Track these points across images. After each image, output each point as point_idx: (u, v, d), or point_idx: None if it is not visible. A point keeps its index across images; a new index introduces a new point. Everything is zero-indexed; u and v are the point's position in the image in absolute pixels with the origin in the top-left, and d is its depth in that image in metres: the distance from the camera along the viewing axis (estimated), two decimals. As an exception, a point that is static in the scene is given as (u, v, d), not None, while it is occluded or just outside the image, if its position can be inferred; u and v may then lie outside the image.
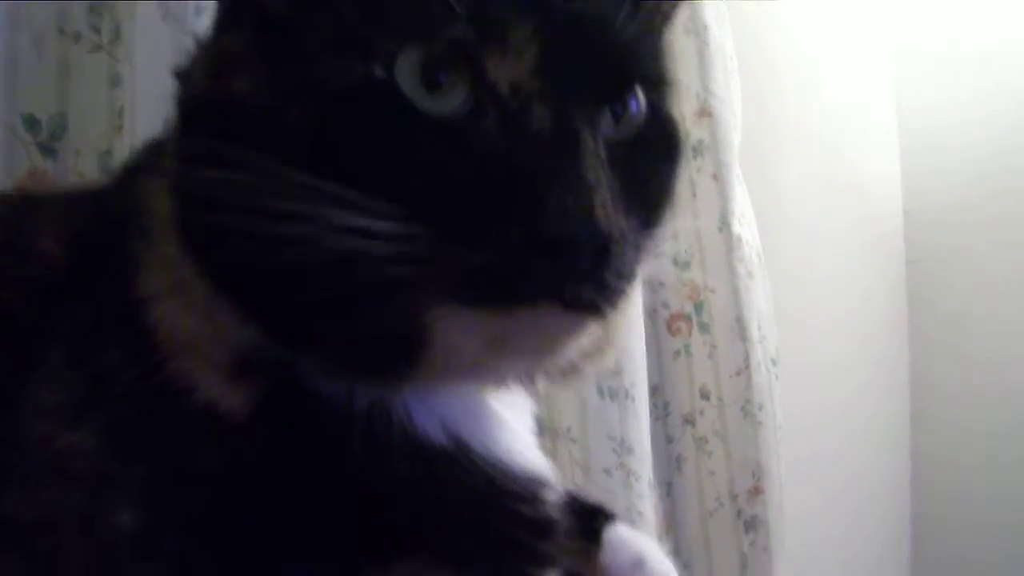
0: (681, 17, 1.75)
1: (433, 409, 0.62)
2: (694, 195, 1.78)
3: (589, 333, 0.61)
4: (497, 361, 0.60)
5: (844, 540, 2.44)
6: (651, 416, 1.72)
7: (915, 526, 2.75)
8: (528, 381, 0.68)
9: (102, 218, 0.68)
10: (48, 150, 1.11)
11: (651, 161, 0.64)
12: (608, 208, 0.53)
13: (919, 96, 2.80)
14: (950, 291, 2.71)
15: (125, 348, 0.60)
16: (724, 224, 1.77)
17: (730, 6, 1.91)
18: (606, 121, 0.60)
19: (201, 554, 0.56)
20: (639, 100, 0.62)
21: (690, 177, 1.77)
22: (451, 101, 0.55)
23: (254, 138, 0.54)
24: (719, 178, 1.77)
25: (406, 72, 0.54)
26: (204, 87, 0.60)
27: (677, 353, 1.77)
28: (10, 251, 0.66)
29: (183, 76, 0.65)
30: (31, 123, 1.10)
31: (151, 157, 0.69)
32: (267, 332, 0.58)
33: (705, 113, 1.78)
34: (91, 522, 0.55)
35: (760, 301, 1.81)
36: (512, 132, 0.55)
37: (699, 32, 1.79)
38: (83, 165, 1.11)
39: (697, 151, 1.78)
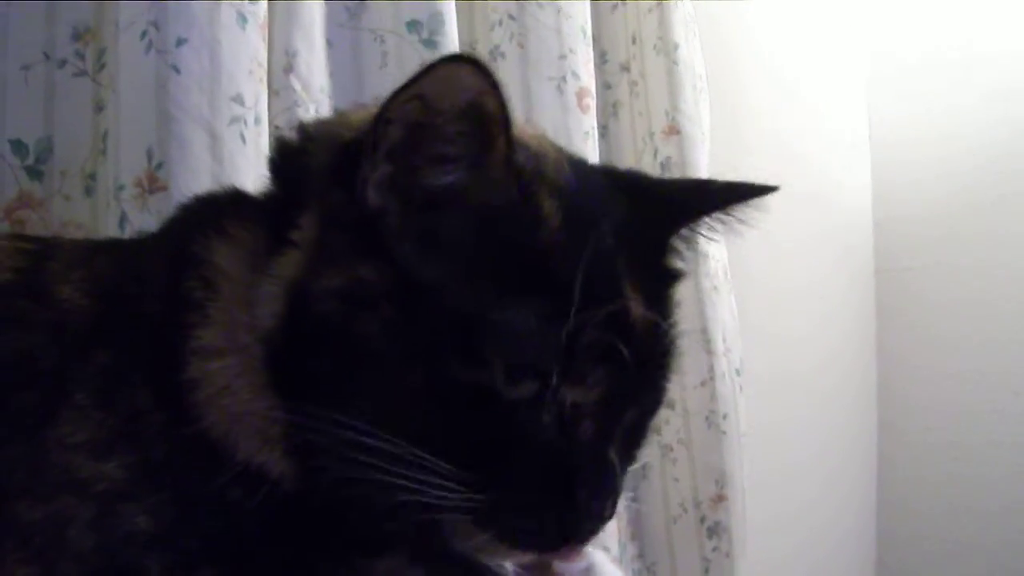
0: (651, 36, 1.81)
1: None
2: (662, 210, 1.82)
3: None
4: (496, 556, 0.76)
5: (811, 547, 2.47)
6: (618, 425, 1.77)
7: (880, 535, 2.78)
8: None
9: (142, 270, 0.75)
10: (35, 173, 1.15)
11: (650, 412, 0.81)
12: (617, 498, 0.72)
13: (891, 107, 2.82)
14: (919, 303, 2.74)
15: (157, 393, 0.67)
16: (690, 239, 1.80)
17: (700, 20, 1.95)
18: None
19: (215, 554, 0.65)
20: None
21: (658, 194, 1.81)
22: (522, 391, 0.67)
23: (367, 375, 0.66)
24: (687, 195, 1.81)
25: (497, 368, 0.66)
26: (334, 308, 0.67)
27: (643, 364, 1.81)
28: (30, 297, 0.71)
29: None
30: (18, 147, 1.14)
31: (209, 215, 0.78)
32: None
33: (673, 131, 1.83)
34: (103, 520, 0.62)
35: (725, 314, 1.86)
36: (563, 434, 0.69)
37: (668, 52, 1.83)
38: (69, 187, 1.16)
39: (665, 168, 1.82)
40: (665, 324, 0.75)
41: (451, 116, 0.66)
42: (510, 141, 0.68)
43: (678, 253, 0.86)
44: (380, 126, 0.68)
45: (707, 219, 0.84)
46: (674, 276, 0.84)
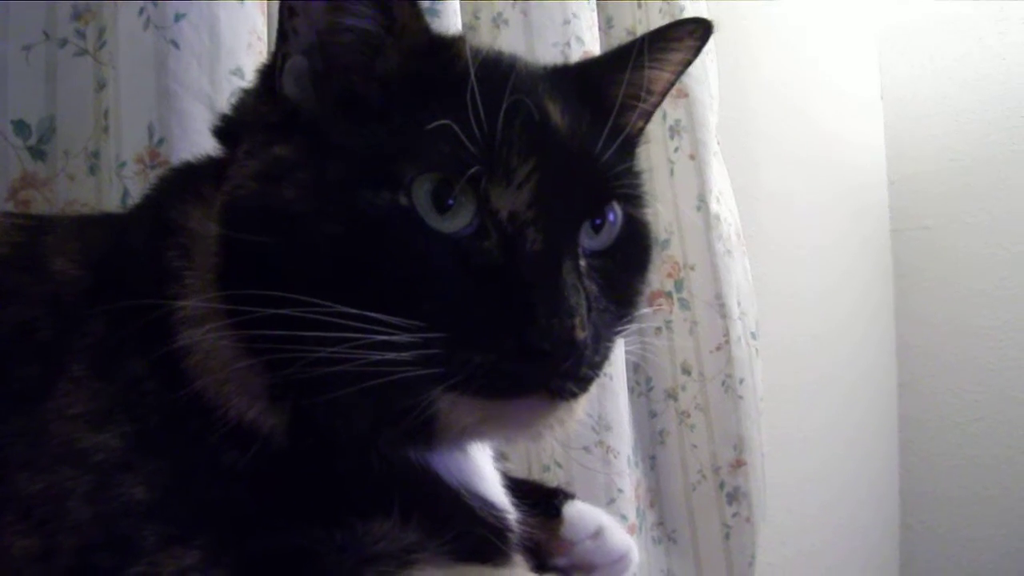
0: (656, -1, 1.79)
1: (441, 460, 0.76)
2: (672, 175, 1.82)
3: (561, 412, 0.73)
4: (490, 432, 0.76)
5: (833, 509, 2.48)
6: (634, 392, 1.77)
7: (904, 495, 2.78)
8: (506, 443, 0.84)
9: (128, 242, 0.76)
10: (38, 153, 1.15)
11: (625, 264, 0.78)
12: (585, 321, 0.66)
13: (902, 63, 2.80)
14: (935, 260, 2.73)
15: (150, 362, 0.68)
16: (702, 203, 1.80)
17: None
18: (588, 232, 0.74)
19: (217, 522, 0.65)
20: (616, 212, 0.76)
21: (668, 157, 1.81)
22: (459, 221, 0.67)
23: (295, 242, 0.66)
24: (696, 157, 1.80)
25: (421, 196, 0.66)
26: (254, 189, 0.69)
27: (658, 329, 1.81)
28: (27, 270, 0.73)
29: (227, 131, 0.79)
30: (20, 127, 1.14)
31: (186, 182, 0.80)
32: (301, 408, 0.69)
33: (682, 94, 1.81)
34: (101, 492, 0.63)
35: (739, 277, 1.85)
36: (509, 253, 0.67)
37: (674, 13, 1.80)
38: (72, 167, 1.16)
39: (674, 131, 1.81)
40: (601, 144, 0.74)
41: None
42: None
43: (641, 113, 0.85)
44: (284, 19, 0.71)
45: (650, 64, 0.83)
46: (628, 131, 0.81)
